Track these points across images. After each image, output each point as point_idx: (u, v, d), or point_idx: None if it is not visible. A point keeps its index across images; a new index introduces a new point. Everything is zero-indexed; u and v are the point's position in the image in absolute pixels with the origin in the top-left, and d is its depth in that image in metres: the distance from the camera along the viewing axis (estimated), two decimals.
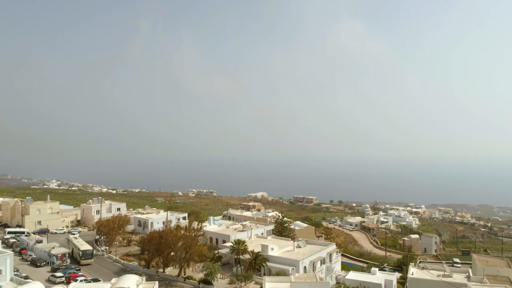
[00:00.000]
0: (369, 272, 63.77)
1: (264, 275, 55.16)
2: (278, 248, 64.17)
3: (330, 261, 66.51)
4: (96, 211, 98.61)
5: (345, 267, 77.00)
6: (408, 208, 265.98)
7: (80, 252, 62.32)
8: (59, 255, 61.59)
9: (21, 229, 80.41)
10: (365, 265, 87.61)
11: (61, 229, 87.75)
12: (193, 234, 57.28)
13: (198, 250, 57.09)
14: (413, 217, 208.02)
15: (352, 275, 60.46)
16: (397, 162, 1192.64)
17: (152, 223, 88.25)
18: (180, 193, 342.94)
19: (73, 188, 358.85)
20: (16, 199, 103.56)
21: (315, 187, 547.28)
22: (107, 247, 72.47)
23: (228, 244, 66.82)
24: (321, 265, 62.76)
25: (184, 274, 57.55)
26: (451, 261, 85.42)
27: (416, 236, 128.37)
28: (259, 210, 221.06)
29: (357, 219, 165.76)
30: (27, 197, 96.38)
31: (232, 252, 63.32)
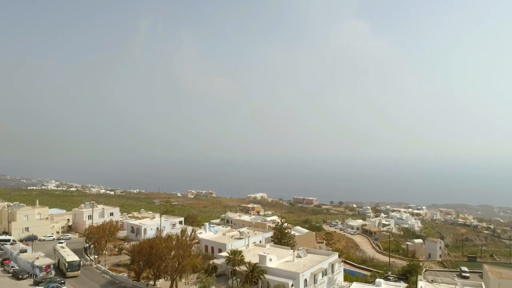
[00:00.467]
0: (374, 283, 60.03)
1: None
2: (277, 259, 60.28)
3: (332, 272, 62.64)
4: (88, 216, 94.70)
5: (348, 276, 73.14)
6: (410, 210, 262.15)
7: (66, 264, 58.44)
8: (43, 267, 57.63)
9: (7, 237, 76.41)
10: (368, 274, 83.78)
11: (50, 236, 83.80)
12: (185, 245, 53.33)
13: (191, 262, 53.21)
14: (415, 219, 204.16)
15: (356, 287, 56.73)
16: (397, 162, 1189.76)
17: (145, 229, 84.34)
18: (179, 194, 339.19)
19: (71, 189, 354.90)
20: (5, 203, 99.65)
21: (315, 187, 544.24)
22: (96, 256, 68.60)
23: (224, 253, 62.97)
24: (322, 277, 58.88)
25: (176, 287, 53.77)
26: (459, 270, 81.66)
27: (420, 240, 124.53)
28: (258, 213, 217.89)
29: (359, 222, 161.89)
30: (14, 202, 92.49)
31: (228, 263, 59.52)
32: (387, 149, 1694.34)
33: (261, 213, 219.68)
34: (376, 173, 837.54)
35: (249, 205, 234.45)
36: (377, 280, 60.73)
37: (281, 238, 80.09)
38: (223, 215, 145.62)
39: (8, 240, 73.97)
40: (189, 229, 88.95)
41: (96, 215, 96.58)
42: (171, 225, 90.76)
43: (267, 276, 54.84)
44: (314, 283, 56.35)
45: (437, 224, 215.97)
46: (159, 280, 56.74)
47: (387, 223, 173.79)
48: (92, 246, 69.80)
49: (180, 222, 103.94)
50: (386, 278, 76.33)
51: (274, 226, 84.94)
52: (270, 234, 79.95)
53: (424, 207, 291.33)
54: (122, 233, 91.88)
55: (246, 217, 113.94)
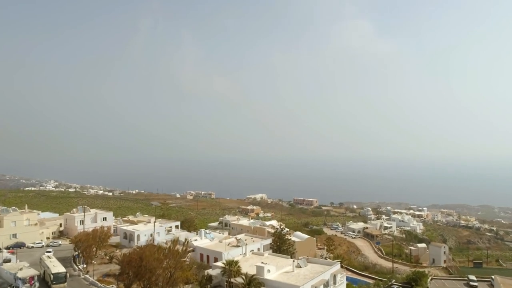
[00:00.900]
0: None
1: None
2: (275, 269, 56.74)
3: (334, 283, 59.08)
4: (80, 221, 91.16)
5: (350, 286, 69.74)
6: (411, 211, 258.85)
7: (51, 275, 54.85)
8: (26, 278, 54.00)
9: None
10: (371, 282, 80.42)
11: (39, 243, 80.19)
12: (177, 257, 49.82)
13: (183, 276, 49.69)
14: (416, 221, 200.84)
15: None
16: (397, 162, 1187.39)
17: (138, 235, 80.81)
18: (177, 195, 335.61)
19: (70, 190, 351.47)
20: None
21: (315, 187, 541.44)
22: (85, 265, 65.04)
23: (219, 263, 59.43)
24: None
25: None
26: (466, 278, 78.20)
27: (423, 245, 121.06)
28: (257, 215, 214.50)
29: (360, 225, 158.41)
30: (1, 207, 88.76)
31: (224, 274, 55.99)
32: (387, 149, 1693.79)
33: (261, 215, 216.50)
34: (376, 173, 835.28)
35: (248, 207, 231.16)
36: None
37: (280, 245, 76.60)
38: (221, 218, 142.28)
39: None
40: (183, 235, 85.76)
41: (89, 220, 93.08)
42: (165, 231, 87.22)
43: None
44: None
45: (439, 226, 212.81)
46: None
47: (388, 225, 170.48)
48: (80, 255, 66.21)
49: (176, 227, 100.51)
50: (390, 287, 73.01)
51: (273, 232, 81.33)
52: (269, 241, 76.44)
53: (425, 208, 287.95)
54: (115, 239, 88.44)
55: (244, 221, 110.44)
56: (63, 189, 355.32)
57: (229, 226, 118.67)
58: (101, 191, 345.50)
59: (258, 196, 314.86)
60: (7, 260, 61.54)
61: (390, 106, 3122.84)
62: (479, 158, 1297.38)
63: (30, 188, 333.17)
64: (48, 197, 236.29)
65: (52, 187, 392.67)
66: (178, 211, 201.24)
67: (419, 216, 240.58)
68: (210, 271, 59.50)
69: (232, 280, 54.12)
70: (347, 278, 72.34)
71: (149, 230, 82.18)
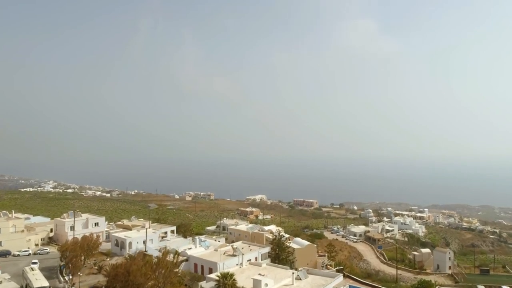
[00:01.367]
0: None
1: None
2: (273, 283, 52.99)
3: None
4: (70, 227, 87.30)
5: None
6: (412, 213, 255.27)
7: None
8: None
9: None
10: None
11: (26, 251, 76.34)
12: (167, 271, 46.06)
13: None
14: (419, 224, 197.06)
15: None
16: (397, 162, 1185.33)
17: (130, 243, 76.98)
18: (176, 196, 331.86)
19: (68, 191, 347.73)
20: None
21: (315, 188, 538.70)
22: (71, 277, 61.18)
23: (214, 275, 55.59)
24: None
25: None
26: None
27: (427, 250, 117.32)
28: (256, 217, 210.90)
29: (361, 228, 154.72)
30: None
31: None
32: (387, 149, 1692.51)
33: (260, 217, 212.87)
34: (376, 173, 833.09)
35: (247, 209, 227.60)
36: None
37: (279, 253, 72.81)
38: (219, 221, 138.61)
39: None
40: (178, 241, 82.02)
41: (80, 225, 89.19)
42: (159, 238, 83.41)
43: None
44: None
45: (441, 229, 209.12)
46: None
47: (390, 228, 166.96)
48: (65, 266, 62.31)
49: (172, 232, 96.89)
50: None
51: (272, 239, 77.50)
52: (267, 249, 72.64)
53: (426, 210, 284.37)
54: (106, 245, 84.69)
55: (242, 226, 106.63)
56: (61, 190, 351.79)
57: (227, 230, 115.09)
58: (99, 192, 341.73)
59: (258, 197, 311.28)
60: None
61: (390, 106, 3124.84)
62: (479, 158, 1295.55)
63: (27, 189, 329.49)
64: (44, 199, 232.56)
65: (51, 187, 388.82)
66: (175, 213, 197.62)
67: (421, 218, 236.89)
68: (204, 284, 55.74)
69: None
70: (350, 287, 68.63)
71: (142, 237, 78.37)
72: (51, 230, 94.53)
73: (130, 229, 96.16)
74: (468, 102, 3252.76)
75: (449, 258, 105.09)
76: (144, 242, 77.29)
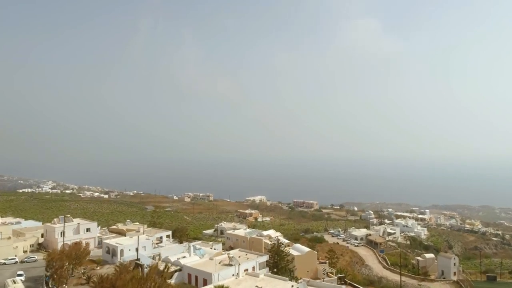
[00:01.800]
0: None
1: None
2: None
3: None
4: (61, 233, 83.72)
5: None
6: (413, 214, 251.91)
7: None
8: None
9: None
10: None
11: (12, 259, 72.73)
12: (156, 286, 42.58)
13: None
14: (421, 226, 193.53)
15: None
16: (397, 162, 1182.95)
17: (122, 250, 73.43)
18: (175, 197, 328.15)
19: (66, 191, 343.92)
20: None
21: (315, 188, 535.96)
22: None
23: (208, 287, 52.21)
24: None
25: None
26: None
27: (431, 255, 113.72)
28: (256, 219, 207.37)
29: (362, 231, 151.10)
30: None
31: None
32: (387, 149, 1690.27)
33: (259, 219, 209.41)
34: (376, 173, 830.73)
35: (246, 211, 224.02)
36: None
37: (278, 262, 69.32)
38: (217, 225, 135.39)
39: None
40: (173, 247, 78.46)
41: (70, 231, 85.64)
42: (152, 245, 79.83)
43: None
44: None
45: (443, 231, 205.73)
46: None
47: (392, 231, 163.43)
48: (51, 277, 58.75)
49: (168, 237, 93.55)
50: None
51: (271, 247, 73.97)
52: (265, 258, 69.10)
53: (427, 211, 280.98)
54: (98, 252, 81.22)
55: (240, 231, 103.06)
56: (59, 191, 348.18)
57: (224, 235, 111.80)
58: (97, 193, 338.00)
59: (257, 198, 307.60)
60: None
61: (390, 106, 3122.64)
62: (479, 158, 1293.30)
63: (25, 190, 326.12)
64: (40, 201, 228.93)
65: (49, 188, 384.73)
66: (173, 216, 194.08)
67: (422, 219, 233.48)
68: None
69: None
70: None
71: (134, 244, 74.70)
72: (42, 236, 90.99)
73: (124, 234, 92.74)
74: (468, 102, 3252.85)
75: (454, 263, 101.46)
76: (137, 250, 73.73)
